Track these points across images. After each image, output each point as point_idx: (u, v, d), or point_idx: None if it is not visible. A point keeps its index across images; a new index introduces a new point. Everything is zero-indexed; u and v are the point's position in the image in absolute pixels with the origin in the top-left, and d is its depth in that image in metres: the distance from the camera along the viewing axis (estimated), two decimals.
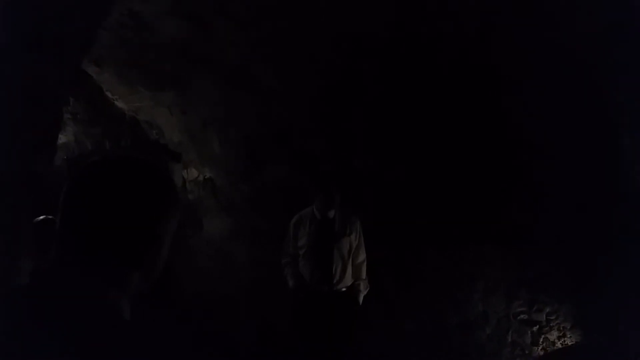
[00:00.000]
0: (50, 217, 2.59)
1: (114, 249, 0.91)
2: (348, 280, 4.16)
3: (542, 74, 4.03)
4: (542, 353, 4.20)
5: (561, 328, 4.21)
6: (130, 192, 0.93)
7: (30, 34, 2.24)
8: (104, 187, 0.92)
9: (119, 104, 5.32)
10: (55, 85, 2.32)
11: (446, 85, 4.32)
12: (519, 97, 4.21)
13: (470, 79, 4.26)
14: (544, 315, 4.28)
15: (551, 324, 4.26)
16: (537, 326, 4.31)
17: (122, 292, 0.92)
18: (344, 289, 4.15)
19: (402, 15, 4.09)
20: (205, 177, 5.56)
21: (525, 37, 3.95)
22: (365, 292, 4.22)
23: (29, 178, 2.22)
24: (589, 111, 4.03)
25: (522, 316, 4.37)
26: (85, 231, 0.91)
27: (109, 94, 5.21)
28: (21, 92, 2.15)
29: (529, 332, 4.34)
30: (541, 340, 4.29)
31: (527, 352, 4.27)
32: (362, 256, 4.20)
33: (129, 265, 0.94)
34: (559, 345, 4.15)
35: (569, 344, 4.09)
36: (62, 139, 4.85)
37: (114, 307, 0.89)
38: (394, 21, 4.14)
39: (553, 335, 4.22)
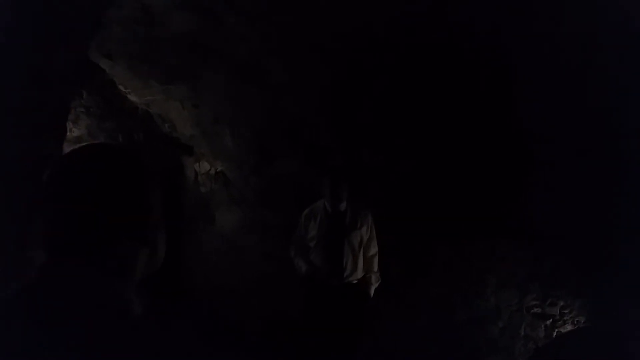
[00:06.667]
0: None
1: (116, 230, 0.90)
2: (359, 273, 4.15)
3: (554, 68, 3.98)
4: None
5: (575, 322, 4.15)
6: (109, 174, 0.92)
7: (38, 19, 2.25)
8: (83, 175, 0.91)
9: (132, 97, 5.35)
10: (63, 68, 2.34)
11: (456, 78, 4.28)
12: (531, 91, 4.16)
13: (481, 72, 4.22)
14: (558, 309, 4.22)
15: (565, 318, 4.20)
16: (551, 320, 4.25)
17: (129, 281, 0.90)
18: (354, 282, 4.14)
19: (412, 7, 4.06)
20: (217, 171, 5.58)
21: (536, 31, 3.90)
22: (376, 286, 4.20)
23: (38, 161, 2.23)
24: (602, 105, 3.97)
25: (535, 310, 4.32)
26: (79, 221, 0.88)
27: (121, 88, 5.24)
28: (28, 75, 2.17)
29: (543, 325, 4.29)
30: (555, 334, 4.24)
31: (540, 345, 4.23)
32: (374, 249, 4.18)
33: (135, 241, 0.92)
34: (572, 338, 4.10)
35: (583, 337, 4.04)
36: (75, 132, 4.90)
37: (123, 303, 0.86)
38: (404, 13, 4.11)
39: (567, 329, 4.17)
